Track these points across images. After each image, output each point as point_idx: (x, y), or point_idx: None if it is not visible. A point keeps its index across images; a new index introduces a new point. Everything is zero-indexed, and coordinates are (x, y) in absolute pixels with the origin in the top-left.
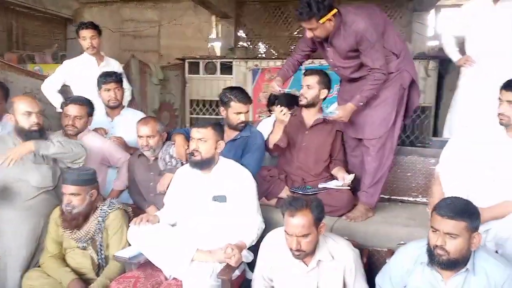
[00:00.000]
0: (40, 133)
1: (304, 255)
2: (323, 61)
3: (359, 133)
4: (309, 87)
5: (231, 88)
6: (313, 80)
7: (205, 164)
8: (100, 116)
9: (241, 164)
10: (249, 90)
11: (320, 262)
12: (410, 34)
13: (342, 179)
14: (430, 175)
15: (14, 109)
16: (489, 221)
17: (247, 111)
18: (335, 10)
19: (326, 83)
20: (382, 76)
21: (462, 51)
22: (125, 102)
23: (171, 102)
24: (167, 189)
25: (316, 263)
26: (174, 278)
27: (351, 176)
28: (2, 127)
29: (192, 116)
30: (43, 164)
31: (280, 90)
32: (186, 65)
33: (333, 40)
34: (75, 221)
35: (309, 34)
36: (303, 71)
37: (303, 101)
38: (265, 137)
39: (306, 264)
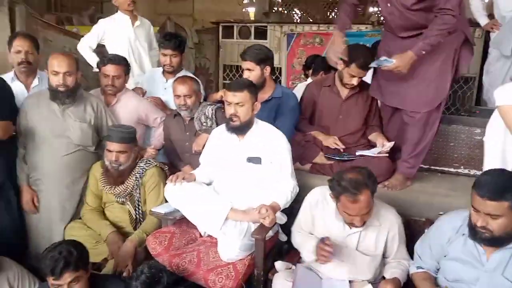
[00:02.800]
0: (67, 94)
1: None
2: (362, 27)
3: (409, 104)
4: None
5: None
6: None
7: (244, 128)
8: (156, 73)
9: (275, 127)
10: (283, 56)
11: (365, 225)
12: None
13: (381, 145)
14: (474, 146)
15: (47, 65)
16: None
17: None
18: None
19: None
20: (452, 19)
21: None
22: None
23: (206, 66)
24: (202, 149)
25: (363, 227)
26: (208, 236)
27: (391, 144)
28: (39, 80)
29: (225, 82)
30: (83, 122)
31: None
32: (220, 29)
33: None
34: (120, 178)
35: None
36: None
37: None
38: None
39: (350, 227)
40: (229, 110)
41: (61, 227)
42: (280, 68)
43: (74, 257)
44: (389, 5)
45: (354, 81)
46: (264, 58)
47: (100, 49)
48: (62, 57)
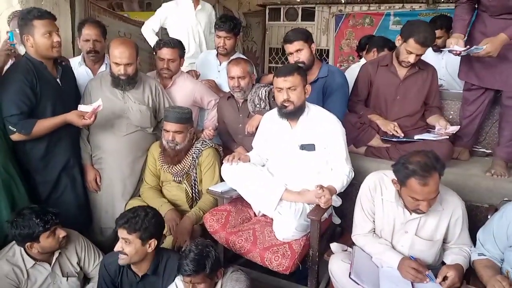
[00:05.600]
0: (128, 81)
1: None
2: (415, 5)
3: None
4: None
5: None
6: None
7: (297, 113)
8: (210, 56)
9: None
10: (331, 37)
11: (429, 211)
12: None
13: (444, 128)
14: None
15: (109, 52)
16: None
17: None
18: None
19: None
20: None
21: None
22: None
23: (253, 50)
24: (255, 130)
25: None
26: (263, 215)
27: (455, 128)
28: (106, 66)
29: (270, 65)
30: (142, 104)
31: (460, 52)
32: (267, 11)
33: None
34: (177, 157)
35: None
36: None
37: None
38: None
39: (410, 212)
40: (281, 96)
41: (123, 203)
42: (328, 50)
43: (135, 220)
44: None
45: (411, 59)
46: (308, 35)
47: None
48: (123, 48)
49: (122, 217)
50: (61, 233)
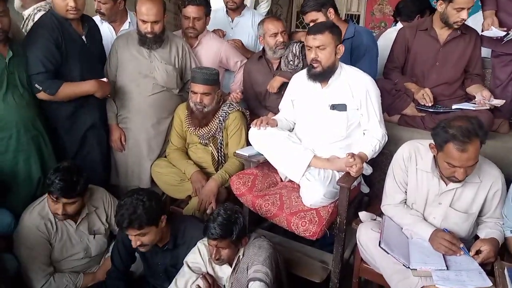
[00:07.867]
0: (154, 40)
1: (463, 181)
2: None
3: None
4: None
5: None
6: None
7: (326, 74)
8: (219, 14)
9: None
10: (363, 1)
11: (463, 182)
12: None
13: (488, 99)
14: None
15: (136, 10)
16: None
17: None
18: None
19: None
20: None
21: None
22: None
23: (278, 13)
24: (277, 91)
25: (461, 184)
26: (289, 181)
27: (500, 102)
28: (130, 25)
29: (297, 30)
30: (169, 64)
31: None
32: None
33: None
34: (205, 119)
35: None
36: None
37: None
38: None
39: (445, 184)
40: (310, 55)
41: (149, 163)
42: (359, 15)
43: (137, 215)
44: None
45: (464, 15)
46: (324, 1)
47: None
48: (150, 4)
49: (122, 219)
50: (58, 208)
